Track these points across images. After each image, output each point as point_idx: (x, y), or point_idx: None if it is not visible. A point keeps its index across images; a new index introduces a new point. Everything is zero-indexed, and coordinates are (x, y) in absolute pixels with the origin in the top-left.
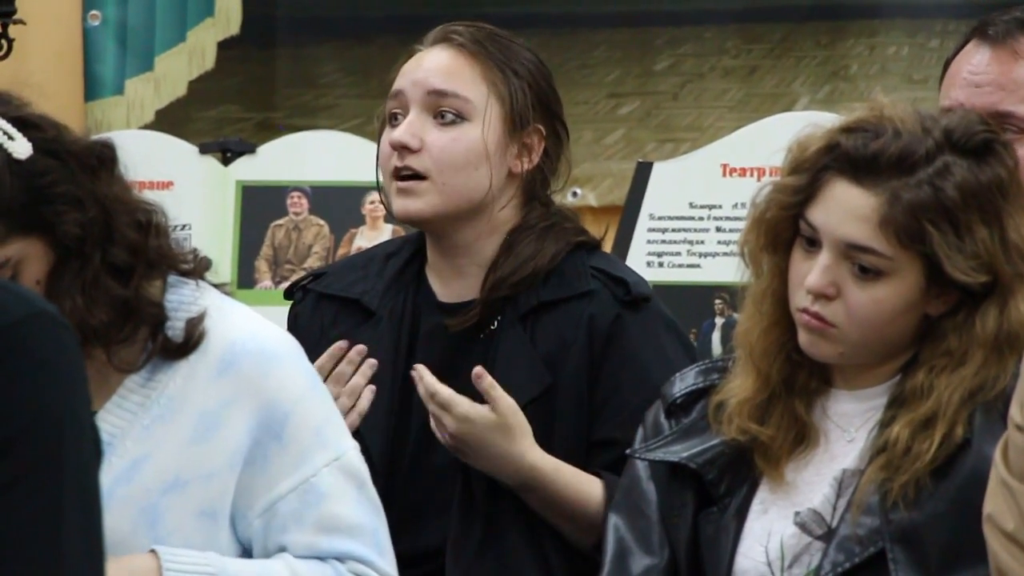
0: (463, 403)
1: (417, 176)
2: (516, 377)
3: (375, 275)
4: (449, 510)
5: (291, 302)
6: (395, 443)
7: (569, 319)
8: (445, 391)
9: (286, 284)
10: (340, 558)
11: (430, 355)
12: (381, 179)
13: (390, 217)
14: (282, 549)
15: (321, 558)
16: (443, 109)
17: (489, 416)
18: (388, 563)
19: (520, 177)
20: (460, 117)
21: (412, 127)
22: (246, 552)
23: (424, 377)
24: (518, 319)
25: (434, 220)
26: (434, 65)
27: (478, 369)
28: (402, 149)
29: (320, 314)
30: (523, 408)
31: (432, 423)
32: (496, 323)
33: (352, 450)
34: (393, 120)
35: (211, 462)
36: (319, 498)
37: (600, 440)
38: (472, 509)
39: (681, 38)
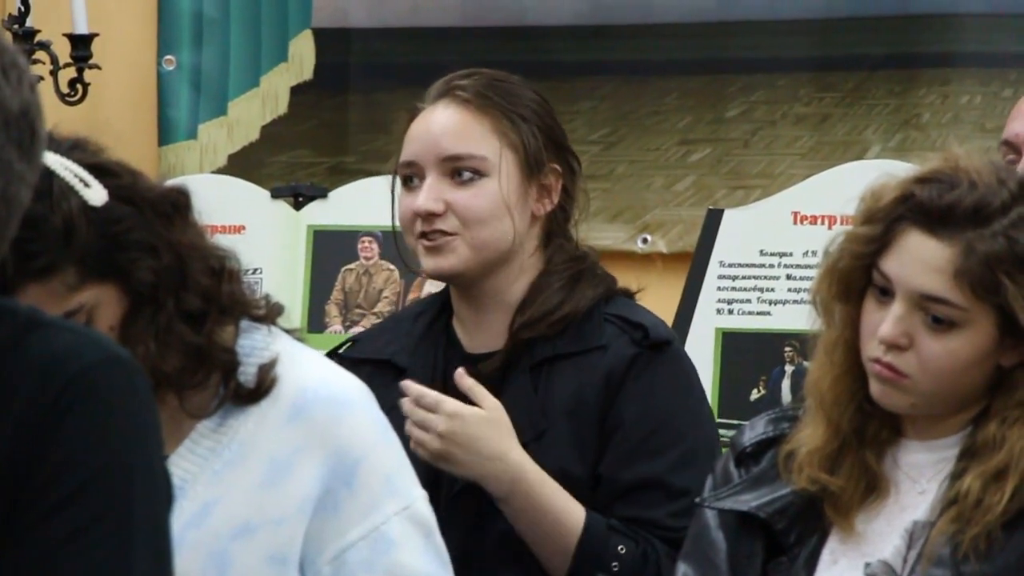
0: (451, 400)
1: (446, 235)
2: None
3: (405, 335)
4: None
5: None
6: (433, 491)
7: (584, 368)
8: (432, 393)
9: (356, 328)
10: None
11: None
12: (404, 239)
13: None
14: None
15: None
16: (459, 168)
17: (478, 411)
18: None
19: (543, 219)
20: (478, 174)
21: (432, 192)
22: None
23: (411, 386)
24: (528, 368)
25: (467, 273)
26: (442, 128)
27: (460, 370)
28: (428, 216)
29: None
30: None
31: (412, 442)
32: (508, 375)
33: (421, 499)
34: (408, 183)
35: (281, 508)
36: (388, 546)
37: (599, 476)
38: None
39: (753, 85)
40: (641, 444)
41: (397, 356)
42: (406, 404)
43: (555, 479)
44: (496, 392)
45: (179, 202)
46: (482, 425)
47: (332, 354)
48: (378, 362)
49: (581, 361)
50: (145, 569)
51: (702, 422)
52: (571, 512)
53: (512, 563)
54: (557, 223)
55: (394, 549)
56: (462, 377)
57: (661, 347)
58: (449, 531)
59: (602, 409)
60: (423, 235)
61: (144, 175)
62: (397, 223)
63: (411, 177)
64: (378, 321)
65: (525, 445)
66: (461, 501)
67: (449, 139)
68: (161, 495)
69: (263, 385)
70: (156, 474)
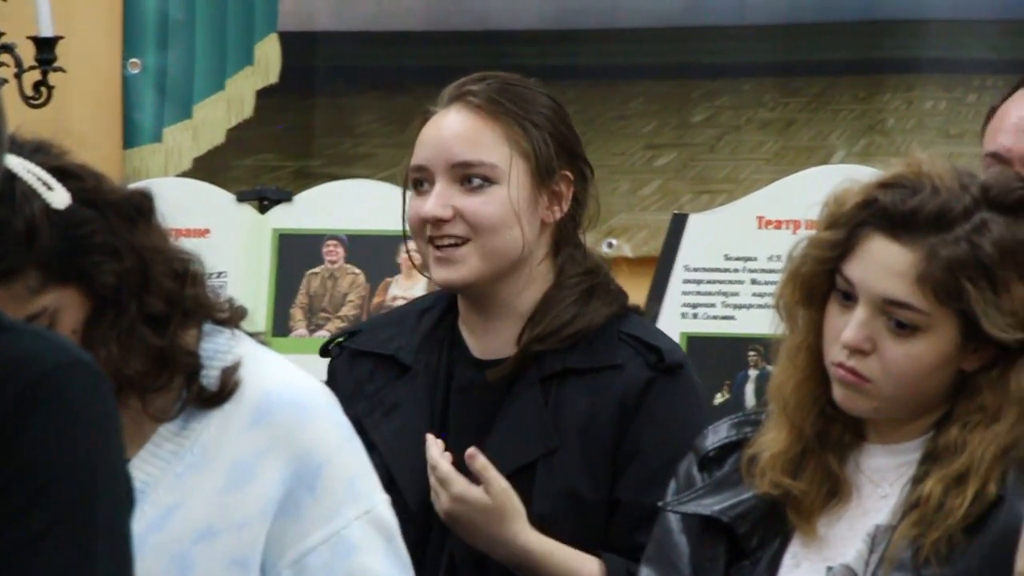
0: (459, 482)
1: (456, 242)
2: (519, 436)
3: (410, 331)
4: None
5: (326, 353)
6: (427, 498)
7: (598, 389)
8: (444, 466)
9: (321, 332)
10: None
11: (463, 410)
12: (414, 243)
13: None
14: None
15: None
16: (469, 175)
17: (483, 499)
18: None
19: (552, 226)
20: (488, 181)
21: (441, 198)
22: None
23: (431, 448)
24: (538, 380)
25: (478, 283)
26: (453, 133)
27: (471, 450)
28: (436, 222)
29: (356, 370)
30: (525, 469)
31: (432, 494)
32: (517, 387)
33: (383, 503)
34: (419, 186)
35: (243, 511)
36: (349, 551)
37: (618, 501)
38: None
39: (718, 90)
40: (661, 470)
41: (401, 353)
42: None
43: (565, 500)
44: (504, 401)
45: (142, 205)
46: (484, 513)
47: (331, 344)
48: (380, 356)
49: (594, 380)
50: (108, 571)
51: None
52: (585, 570)
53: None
54: (567, 230)
55: (355, 553)
56: (473, 458)
57: (675, 371)
58: (456, 541)
59: (617, 433)
60: (432, 241)
61: (108, 178)
62: (407, 226)
63: (421, 181)
64: (376, 315)
65: (534, 463)
66: None
67: (460, 145)
68: (123, 498)
69: (226, 388)
70: (118, 477)
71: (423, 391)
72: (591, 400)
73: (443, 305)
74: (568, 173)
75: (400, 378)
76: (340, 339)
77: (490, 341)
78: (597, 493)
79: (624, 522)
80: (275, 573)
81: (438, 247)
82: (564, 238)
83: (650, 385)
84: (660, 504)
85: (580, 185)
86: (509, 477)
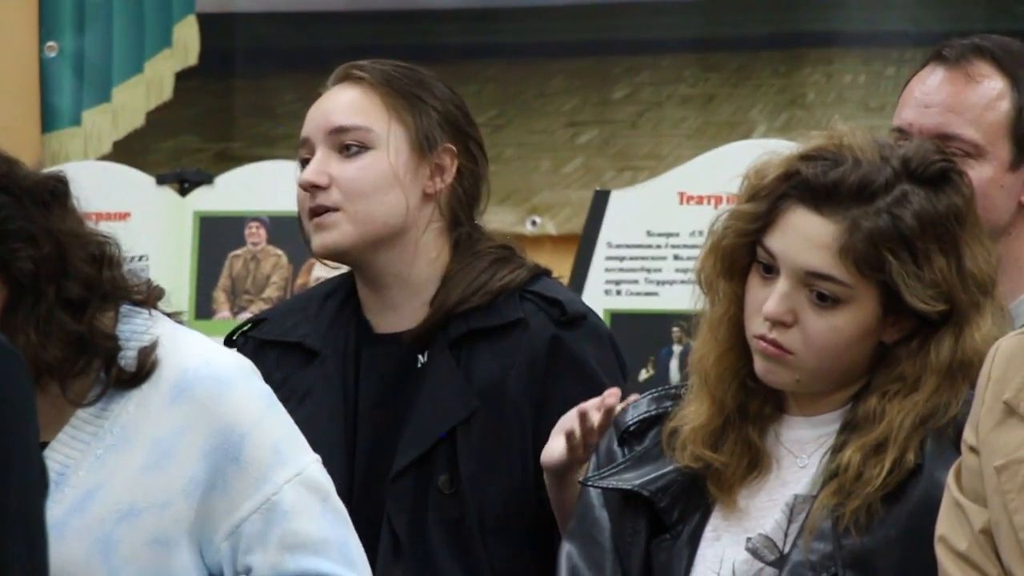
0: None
1: (330, 211)
2: (441, 403)
3: (314, 317)
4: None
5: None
6: (351, 477)
7: (505, 347)
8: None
9: (244, 314)
10: None
11: (372, 388)
12: (304, 224)
13: None
14: (249, 569)
15: None
16: (346, 143)
17: None
18: (360, 573)
19: (436, 199)
20: (363, 147)
21: (318, 165)
22: None
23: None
24: (448, 346)
25: (352, 250)
26: (334, 104)
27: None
28: (312, 188)
29: (263, 360)
30: (450, 434)
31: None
32: (426, 354)
33: (313, 464)
34: (304, 166)
35: (165, 490)
36: (282, 516)
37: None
38: (399, 550)
39: (639, 67)
40: None
41: (308, 339)
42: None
43: (489, 461)
44: (414, 374)
45: (57, 190)
46: None
47: (236, 334)
48: (287, 344)
49: (501, 339)
50: (15, 553)
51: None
52: None
53: (454, 544)
54: (460, 206)
55: (288, 518)
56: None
57: (578, 322)
58: (396, 515)
59: (531, 391)
60: (311, 214)
61: (21, 163)
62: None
63: (306, 160)
64: (281, 301)
65: (453, 431)
66: (402, 484)
67: (338, 113)
68: (36, 482)
69: (144, 368)
70: (32, 461)
71: (333, 375)
72: (500, 360)
73: (346, 288)
74: (451, 146)
75: (309, 364)
76: (244, 328)
77: (388, 316)
78: (519, 449)
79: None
80: (213, 549)
81: (315, 215)
82: (457, 216)
83: (557, 341)
84: (580, 480)
85: (466, 160)
86: (435, 444)
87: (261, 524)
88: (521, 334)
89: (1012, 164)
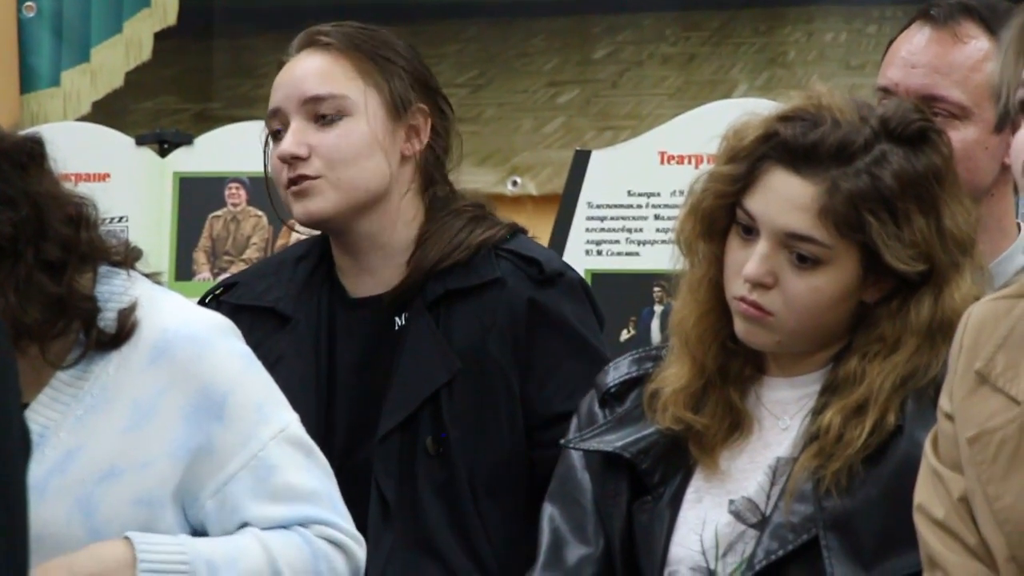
0: None
1: (310, 179)
2: (424, 365)
3: (287, 281)
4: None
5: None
6: (324, 445)
7: (484, 307)
8: None
9: (225, 275)
10: (303, 524)
11: (349, 353)
12: (279, 193)
13: None
14: (244, 525)
15: (285, 527)
16: (322, 112)
17: None
18: (350, 524)
19: (413, 160)
20: (341, 114)
21: (296, 136)
22: (198, 535)
23: None
24: (426, 308)
25: (336, 217)
26: (304, 72)
27: None
28: (293, 160)
29: (236, 324)
30: (433, 396)
31: None
32: (405, 317)
33: (294, 422)
34: (277, 137)
35: (146, 450)
36: (270, 471)
37: (553, 415)
38: (387, 513)
39: (619, 26)
40: (585, 380)
41: (281, 304)
42: None
43: (473, 422)
44: (393, 336)
45: (34, 151)
46: None
47: (208, 299)
48: (259, 309)
49: (479, 299)
50: None
51: (604, 345)
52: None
53: (445, 506)
54: (432, 166)
55: (276, 472)
56: None
57: (556, 280)
58: (383, 478)
59: (516, 357)
60: (290, 185)
61: None
62: (270, 178)
63: (278, 132)
64: (253, 264)
65: (437, 393)
66: (388, 447)
67: (310, 82)
68: (16, 445)
69: (123, 330)
70: (12, 424)
71: (306, 340)
72: (479, 320)
73: (318, 251)
74: (424, 106)
75: (281, 329)
76: (217, 292)
77: (364, 280)
78: (506, 412)
79: (544, 428)
80: (197, 507)
81: (294, 184)
82: (430, 175)
83: (535, 302)
84: (562, 442)
85: (439, 118)
86: (420, 406)
87: (250, 480)
88: (499, 294)
89: (997, 126)
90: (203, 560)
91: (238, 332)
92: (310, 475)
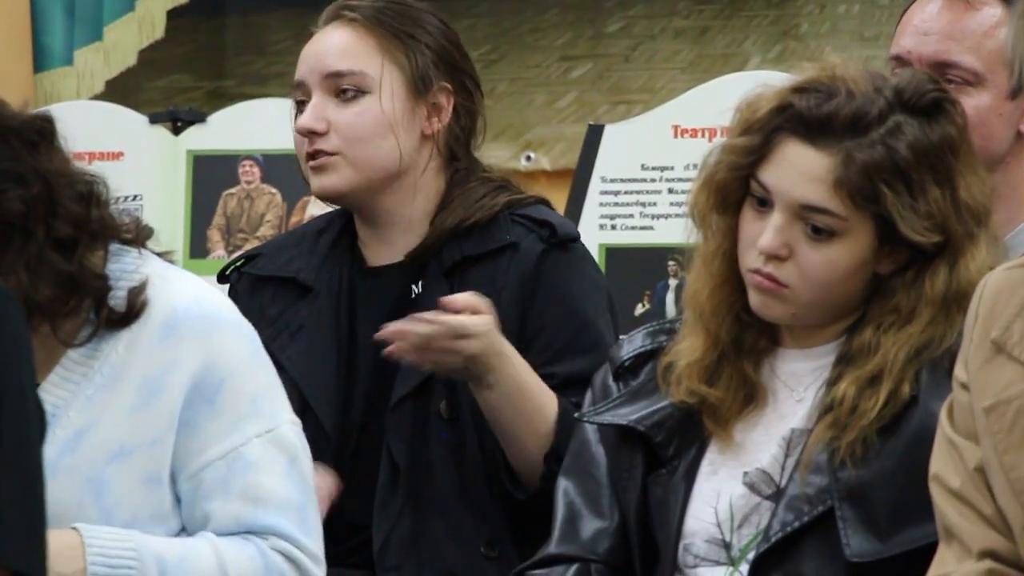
0: (425, 315)
1: (328, 154)
2: None
3: (308, 252)
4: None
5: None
6: (345, 414)
7: (497, 269)
8: (454, 319)
9: (239, 253)
10: (263, 533)
11: (370, 322)
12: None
13: None
14: (206, 516)
15: (245, 532)
16: (343, 87)
17: (488, 318)
18: (313, 542)
19: (434, 139)
20: (360, 91)
21: (316, 111)
22: None
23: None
24: (443, 274)
25: (351, 194)
26: (327, 47)
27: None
28: (311, 134)
29: (259, 295)
30: None
31: (433, 362)
32: (421, 284)
33: (288, 424)
34: (300, 108)
35: (155, 427)
36: (246, 467)
37: None
38: (396, 479)
39: (632, 0)
40: (566, 344)
41: (302, 274)
42: (422, 329)
43: None
44: (410, 303)
45: (44, 129)
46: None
47: (230, 270)
48: (281, 280)
49: (493, 264)
50: (11, 498)
51: (608, 318)
52: (548, 392)
53: (455, 470)
54: (458, 143)
55: (252, 471)
56: (446, 304)
57: (567, 244)
58: (395, 444)
59: (520, 312)
60: (309, 156)
61: (7, 104)
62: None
63: (302, 103)
64: (275, 236)
65: None
66: (401, 413)
67: (332, 57)
68: (32, 423)
69: (133, 308)
70: (28, 402)
71: (327, 310)
72: (493, 284)
73: (339, 224)
74: (447, 84)
75: (303, 299)
76: (239, 264)
77: (384, 250)
78: None
79: None
80: (176, 486)
81: (312, 159)
82: (452, 153)
83: (544, 258)
84: (576, 415)
85: (463, 98)
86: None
87: (224, 471)
88: (511, 256)
89: (1011, 92)
90: (151, 553)
91: (247, 321)
92: (286, 482)
